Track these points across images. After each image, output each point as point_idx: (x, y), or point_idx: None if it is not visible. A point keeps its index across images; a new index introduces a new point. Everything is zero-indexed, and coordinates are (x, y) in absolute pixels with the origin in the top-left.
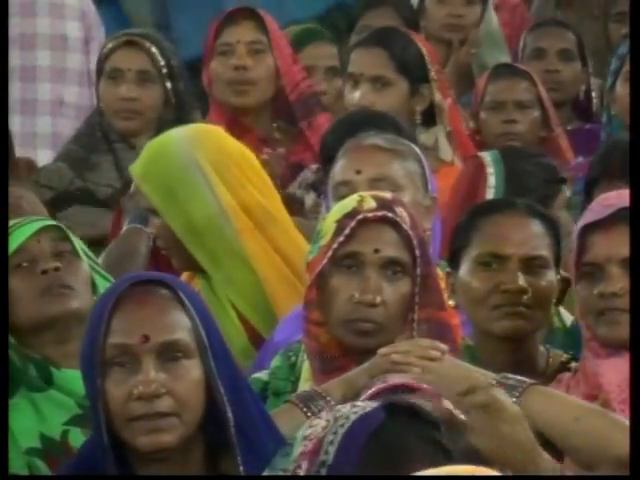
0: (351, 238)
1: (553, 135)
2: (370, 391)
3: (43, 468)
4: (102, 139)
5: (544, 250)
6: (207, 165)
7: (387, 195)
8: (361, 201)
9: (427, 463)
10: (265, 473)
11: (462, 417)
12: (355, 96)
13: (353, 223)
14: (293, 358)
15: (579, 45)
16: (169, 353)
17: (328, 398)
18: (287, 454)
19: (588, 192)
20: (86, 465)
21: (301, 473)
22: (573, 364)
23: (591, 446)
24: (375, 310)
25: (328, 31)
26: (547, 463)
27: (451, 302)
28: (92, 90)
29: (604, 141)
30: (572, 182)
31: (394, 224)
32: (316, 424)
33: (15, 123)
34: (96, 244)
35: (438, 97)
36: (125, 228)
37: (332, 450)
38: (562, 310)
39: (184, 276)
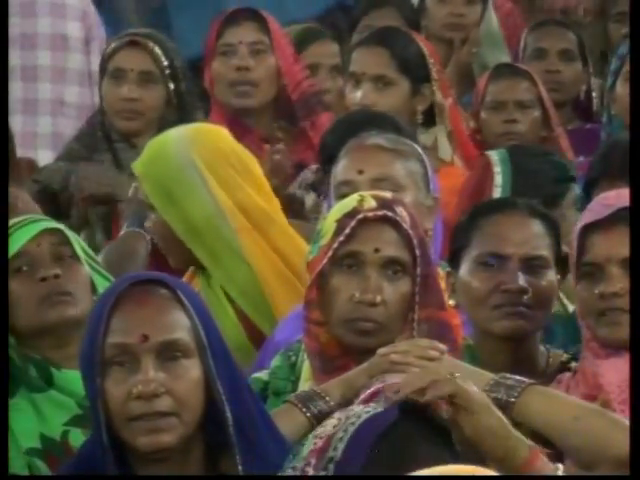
0: (351, 238)
1: (554, 135)
2: (369, 391)
3: (43, 468)
4: (103, 139)
5: (544, 250)
6: (203, 166)
7: (387, 194)
8: (361, 200)
9: (434, 466)
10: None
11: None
12: (357, 95)
13: (353, 222)
14: (293, 358)
15: (580, 45)
16: (168, 353)
17: (327, 398)
18: (297, 453)
19: (588, 192)
20: (86, 465)
21: (310, 470)
22: (573, 364)
23: (590, 446)
24: (375, 309)
25: (329, 31)
26: (523, 449)
27: (451, 302)
28: (93, 90)
29: (604, 141)
30: None
31: (394, 223)
32: (327, 423)
33: (16, 123)
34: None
35: (439, 97)
36: (123, 231)
37: (340, 447)
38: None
39: (185, 276)
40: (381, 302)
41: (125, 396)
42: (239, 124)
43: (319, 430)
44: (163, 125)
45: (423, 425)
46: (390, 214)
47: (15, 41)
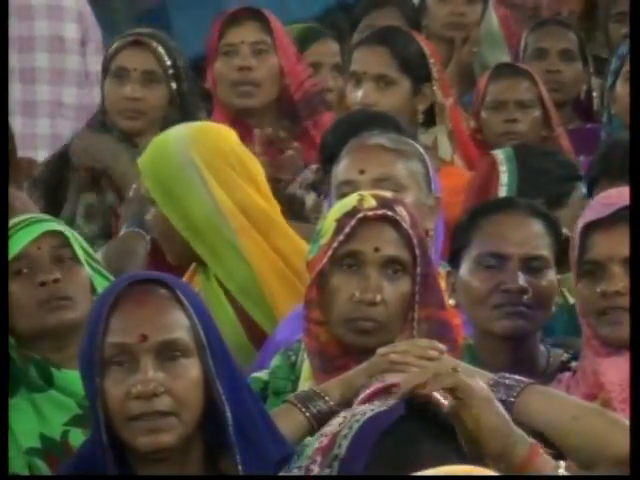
0: (351, 237)
1: (554, 135)
2: (368, 391)
3: (43, 468)
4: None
5: (545, 250)
6: (203, 165)
7: (387, 194)
8: (361, 200)
9: (438, 465)
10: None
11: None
12: (358, 95)
13: (353, 222)
14: (293, 357)
15: (580, 45)
16: (168, 352)
17: (326, 398)
18: (302, 453)
19: (589, 191)
20: (86, 465)
21: (315, 467)
22: (573, 364)
23: (590, 445)
24: (375, 309)
25: (330, 31)
26: (523, 447)
27: (451, 302)
28: (91, 91)
29: (604, 141)
30: None
31: (394, 223)
32: (334, 421)
33: (15, 125)
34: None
35: (440, 96)
36: (123, 232)
37: (345, 444)
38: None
39: (186, 276)
40: (381, 301)
41: (124, 396)
42: (242, 124)
43: (325, 428)
44: (165, 125)
45: (427, 424)
46: (390, 213)
47: (13, 44)
